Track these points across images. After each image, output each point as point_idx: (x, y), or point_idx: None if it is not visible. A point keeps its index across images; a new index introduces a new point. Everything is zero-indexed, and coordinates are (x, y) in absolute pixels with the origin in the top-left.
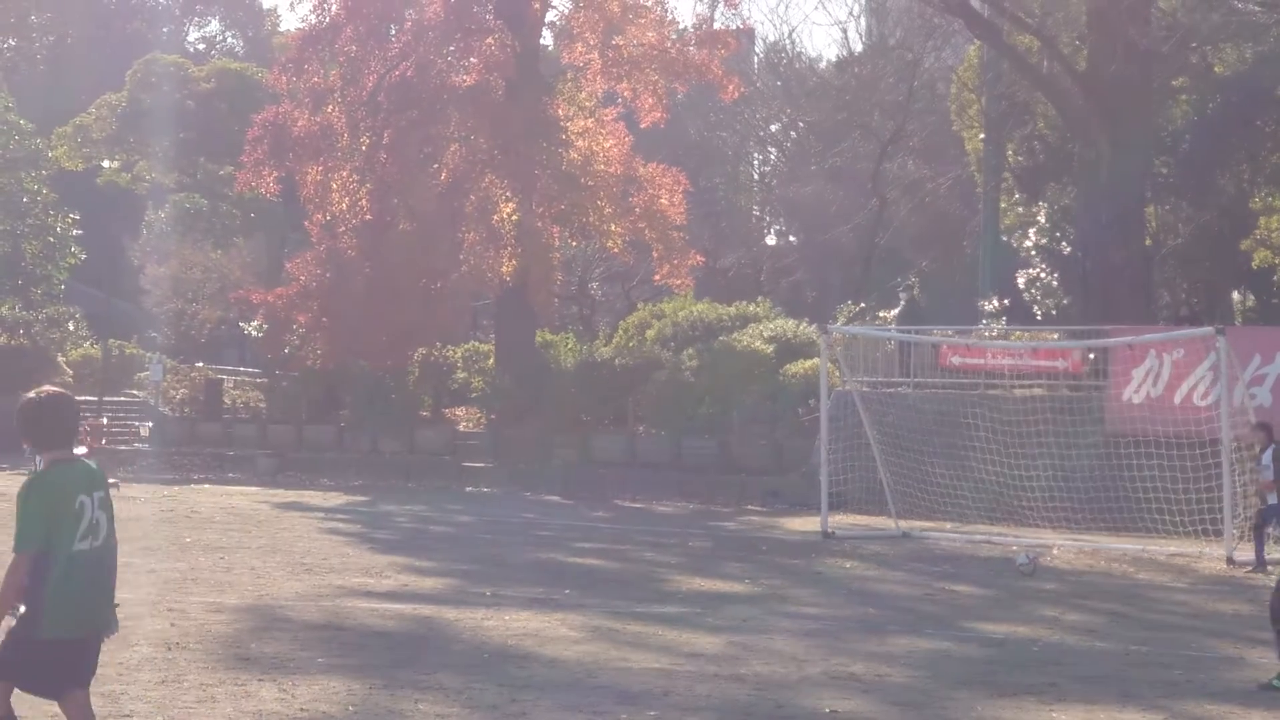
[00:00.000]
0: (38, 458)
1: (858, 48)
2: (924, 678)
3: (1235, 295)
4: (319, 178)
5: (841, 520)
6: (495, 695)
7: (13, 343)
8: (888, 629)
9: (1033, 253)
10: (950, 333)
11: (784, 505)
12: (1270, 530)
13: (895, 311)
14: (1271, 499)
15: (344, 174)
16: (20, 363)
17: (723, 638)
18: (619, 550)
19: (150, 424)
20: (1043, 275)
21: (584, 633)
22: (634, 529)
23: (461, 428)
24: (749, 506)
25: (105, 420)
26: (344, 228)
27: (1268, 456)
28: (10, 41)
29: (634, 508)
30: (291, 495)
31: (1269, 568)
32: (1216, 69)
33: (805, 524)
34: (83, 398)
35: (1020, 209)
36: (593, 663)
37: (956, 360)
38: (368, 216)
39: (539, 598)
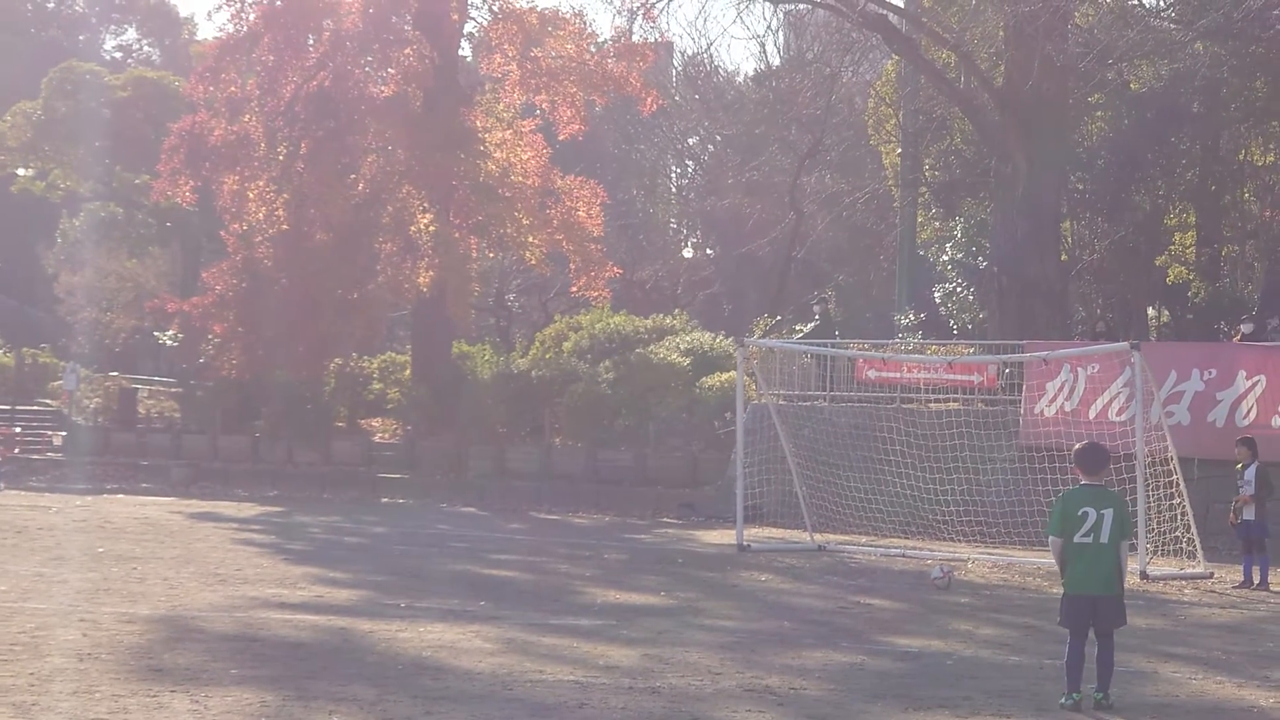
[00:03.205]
0: None
1: (775, 62)
2: (839, 691)
3: (1150, 311)
4: (235, 187)
5: (757, 533)
6: (409, 707)
7: None
8: (803, 642)
9: (949, 267)
10: (866, 346)
11: (700, 518)
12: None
13: (809, 326)
14: (1248, 514)
15: (261, 184)
16: None
17: (638, 650)
18: (534, 562)
19: (64, 433)
20: (959, 290)
21: (499, 645)
22: (550, 541)
23: (377, 439)
24: (665, 519)
25: (18, 429)
26: (260, 238)
27: (1250, 473)
28: None
29: (550, 519)
30: (206, 506)
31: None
32: (1133, 85)
33: (721, 537)
34: None
35: (937, 223)
36: (508, 675)
37: (873, 374)
38: (284, 226)
39: (454, 610)
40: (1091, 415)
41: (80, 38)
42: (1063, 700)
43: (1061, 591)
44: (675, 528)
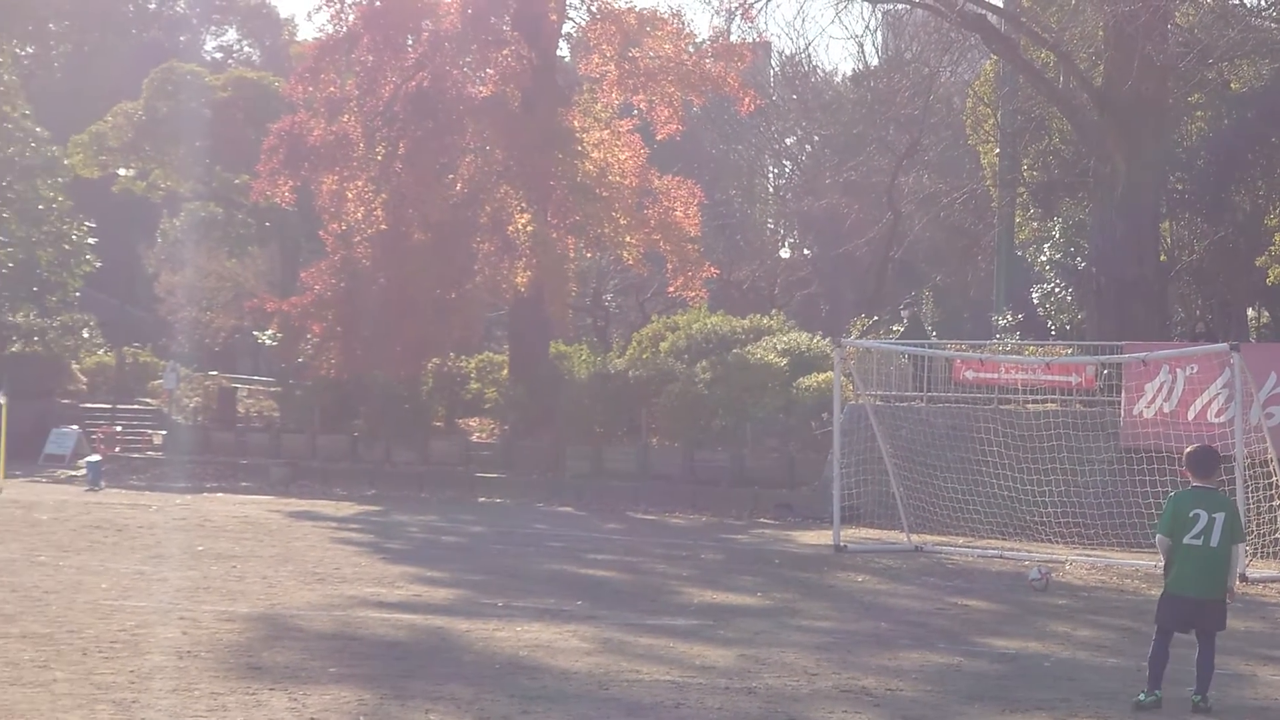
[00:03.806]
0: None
1: (874, 62)
2: (935, 692)
3: (1250, 312)
4: (334, 187)
5: (854, 534)
6: (506, 706)
7: (27, 350)
8: (899, 643)
9: (1047, 268)
10: (964, 347)
11: (796, 518)
12: None
13: (900, 328)
14: None
15: (359, 184)
16: (35, 370)
17: (734, 651)
18: (631, 562)
19: (164, 432)
20: (1057, 290)
21: (595, 645)
22: (646, 541)
23: (475, 438)
24: (761, 519)
25: (119, 428)
26: (359, 237)
27: None
28: (28, 49)
29: (646, 519)
30: (304, 504)
31: None
32: (1233, 85)
33: (818, 537)
34: (96, 405)
35: (1035, 224)
36: (604, 675)
37: (970, 375)
38: (383, 226)
39: (551, 609)
40: (1190, 416)
41: (181, 38)
42: (1140, 697)
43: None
44: (772, 528)
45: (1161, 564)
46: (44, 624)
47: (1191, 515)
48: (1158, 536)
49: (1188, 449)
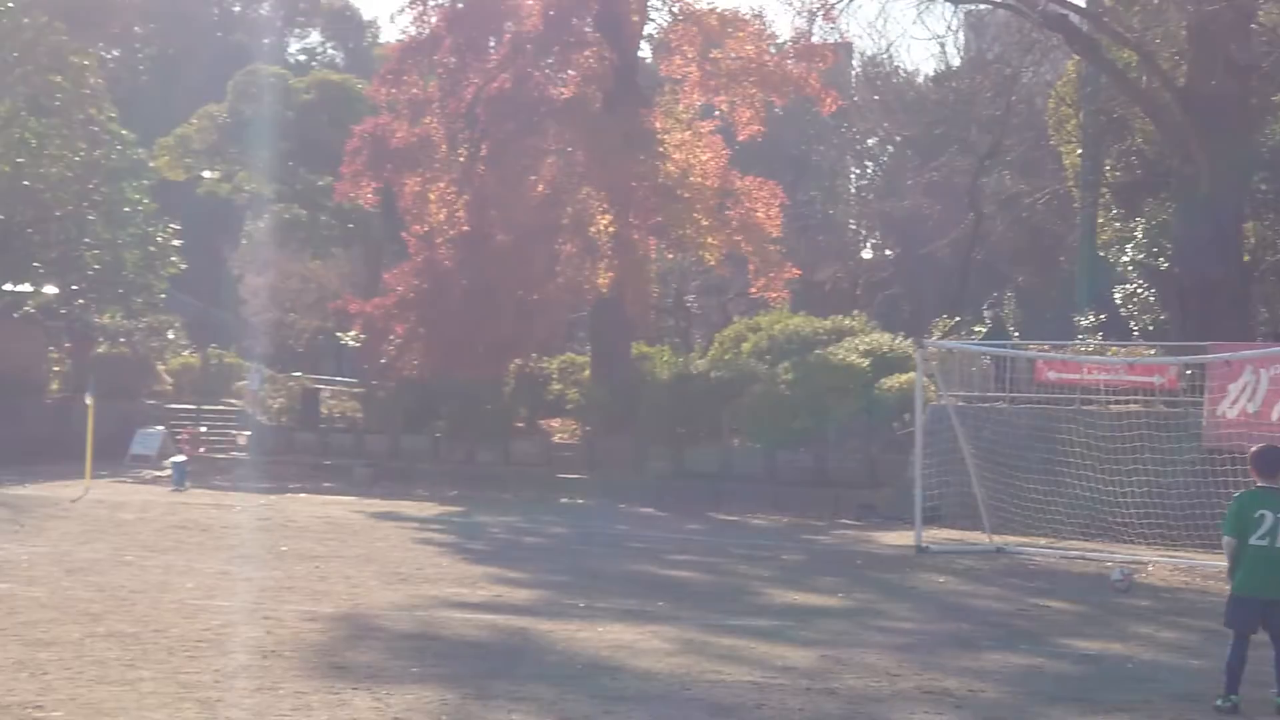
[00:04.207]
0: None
1: (956, 62)
2: (1017, 693)
3: None
4: (417, 189)
5: (936, 535)
6: (588, 706)
7: (114, 351)
8: (981, 644)
9: (1130, 268)
10: (1046, 348)
11: (878, 519)
12: None
13: (982, 329)
14: None
15: (442, 185)
16: (121, 371)
17: (815, 651)
18: (713, 563)
19: (248, 433)
20: (1140, 291)
21: (677, 645)
22: (728, 542)
23: (556, 439)
24: (843, 520)
25: (203, 429)
26: (441, 239)
27: None
28: (114, 52)
29: (728, 520)
30: (387, 505)
31: None
32: None
33: (899, 538)
34: (181, 406)
35: (1117, 224)
36: (685, 675)
37: (1052, 375)
38: (465, 228)
39: (632, 610)
40: (1274, 417)
41: (265, 41)
42: (1218, 702)
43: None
44: (854, 529)
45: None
46: (130, 623)
47: (1257, 516)
48: (1224, 538)
49: (1253, 449)
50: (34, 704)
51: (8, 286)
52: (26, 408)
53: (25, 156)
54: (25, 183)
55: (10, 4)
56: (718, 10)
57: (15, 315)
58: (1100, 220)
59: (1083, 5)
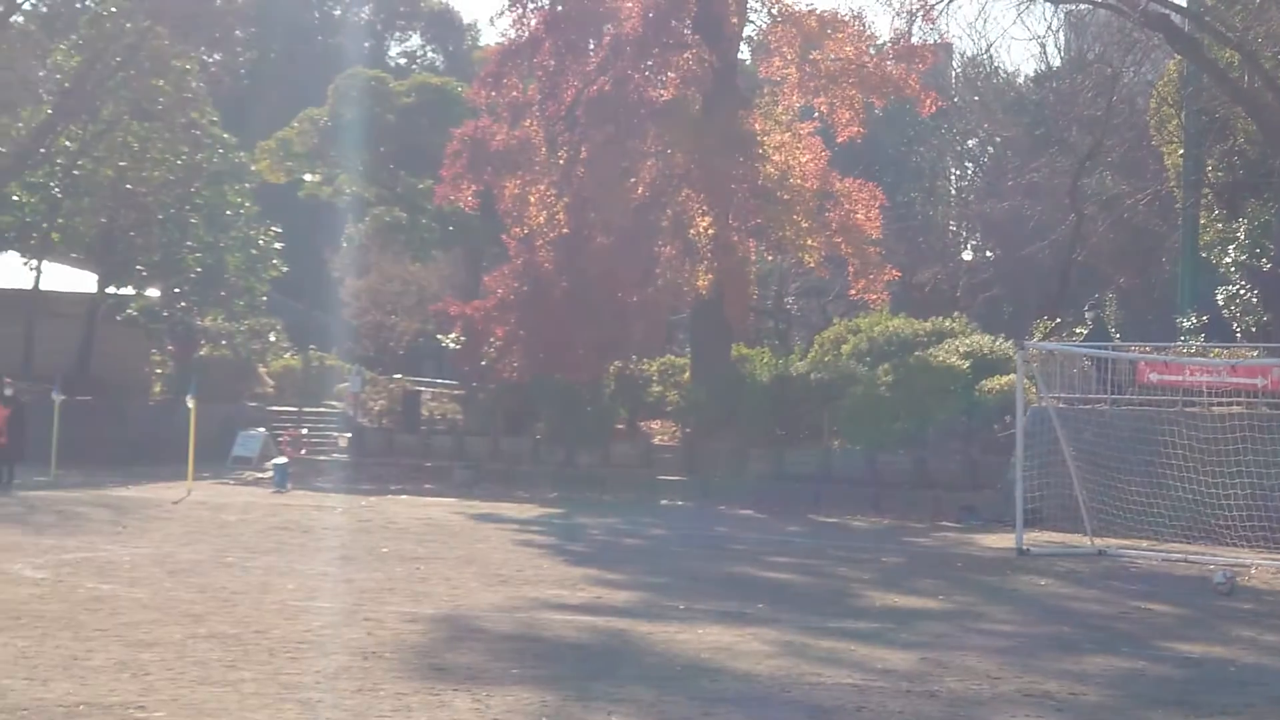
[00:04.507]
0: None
1: (1056, 62)
2: (1118, 696)
3: None
4: (517, 191)
5: (1036, 537)
6: (687, 708)
7: (216, 353)
8: (1082, 647)
9: (1232, 269)
10: (1148, 349)
11: (979, 521)
12: None
13: (1083, 330)
14: None
15: (541, 188)
16: (223, 373)
17: (916, 654)
18: (812, 565)
19: (349, 435)
20: (1242, 292)
21: (776, 647)
22: (827, 544)
23: (656, 441)
24: (943, 522)
25: (305, 430)
26: (541, 241)
27: None
28: (215, 56)
29: (828, 522)
30: (487, 507)
31: None
32: None
33: (1000, 540)
34: (283, 408)
35: (1219, 225)
36: (785, 678)
37: (1154, 377)
38: (565, 230)
39: (732, 612)
40: None
41: (365, 44)
42: None
43: None
44: (954, 531)
45: None
46: (232, 624)
47: None
48: None
49: None
50: (136, 704)
51: (111, 289)
52: (130, 410)
53: (128, 160)
54: (128, 186)
55: (113, 9)
56: (817, 12)
57: (119, 318)
58: (1202, 221)
59: (1184, 5)
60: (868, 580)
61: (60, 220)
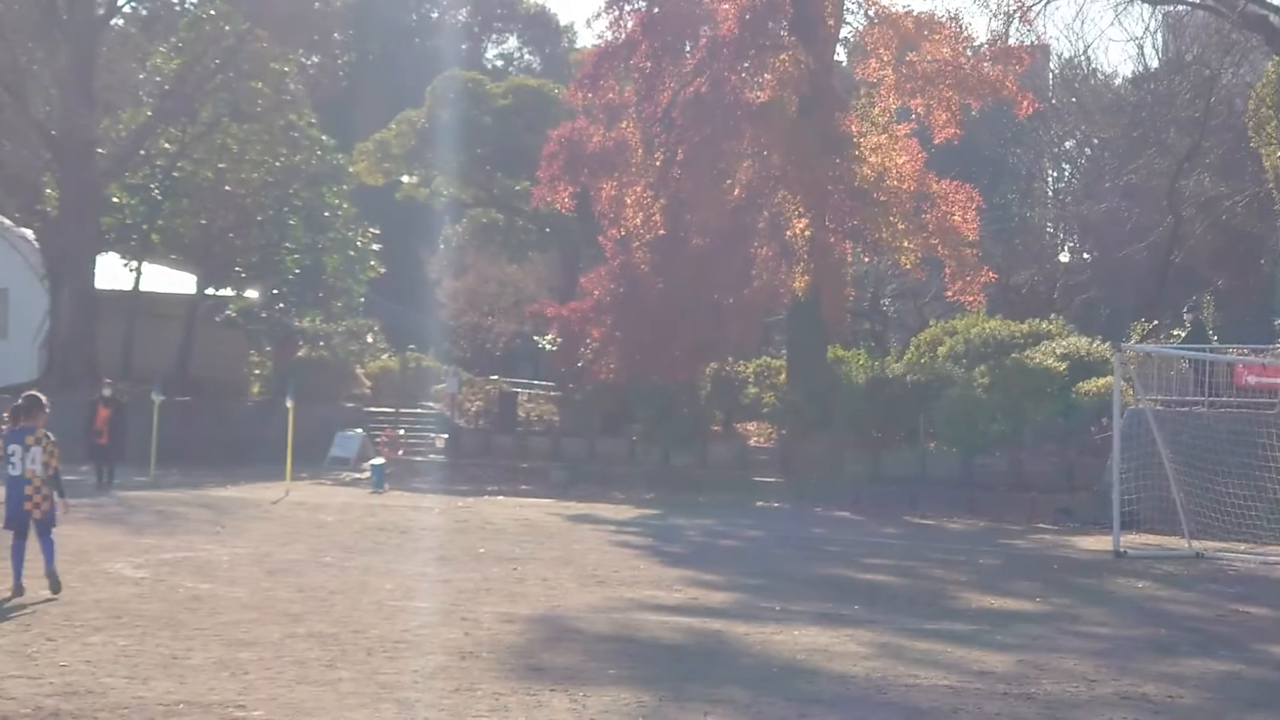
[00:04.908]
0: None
1: (1154, 64)
2: (1216, 699)
3: None
4: (613, 193)
5: (1133, 539)
6: (784, 710)
7: (314, 355)
8: (1179, 650)
9: None
10: (1246, 351)
11: (1075, 524)
12: None
13: (1183, 333)
14: None
15: (638, 189)
16: (321, 374)
17: (1012, 656)
18: (908, 566)
19: (445, 436)
20: None
21: (873, 649)
22: (923, 545)
23: (752, 442)
24: (1040, 524)
25: (402, 431)
26: (637, 243)
27: None
28: (314, 59)
29: (924, 524)
30: (583, 507)
31: None
32: None
33: (1097, 543)
34: (380, 409)
35: None
36: (881, 679)
37: (1252, 380)
38: (661, 232)
39: (828, 613)
40: None
41: (463, 46)
42: None
43: None
44: (1050, 533)
45: None
46: (330, 624)
47: None
48: None
49: None
50: (235, 703)
51: (210, 291)
52: (228, 410)
53: (227, 162)
54: (227, 188)
55: (212, 12)
56: (914, 13)
57: (218, 319)
58: None
59: None
60: (964, 582)
61: (160, 222)
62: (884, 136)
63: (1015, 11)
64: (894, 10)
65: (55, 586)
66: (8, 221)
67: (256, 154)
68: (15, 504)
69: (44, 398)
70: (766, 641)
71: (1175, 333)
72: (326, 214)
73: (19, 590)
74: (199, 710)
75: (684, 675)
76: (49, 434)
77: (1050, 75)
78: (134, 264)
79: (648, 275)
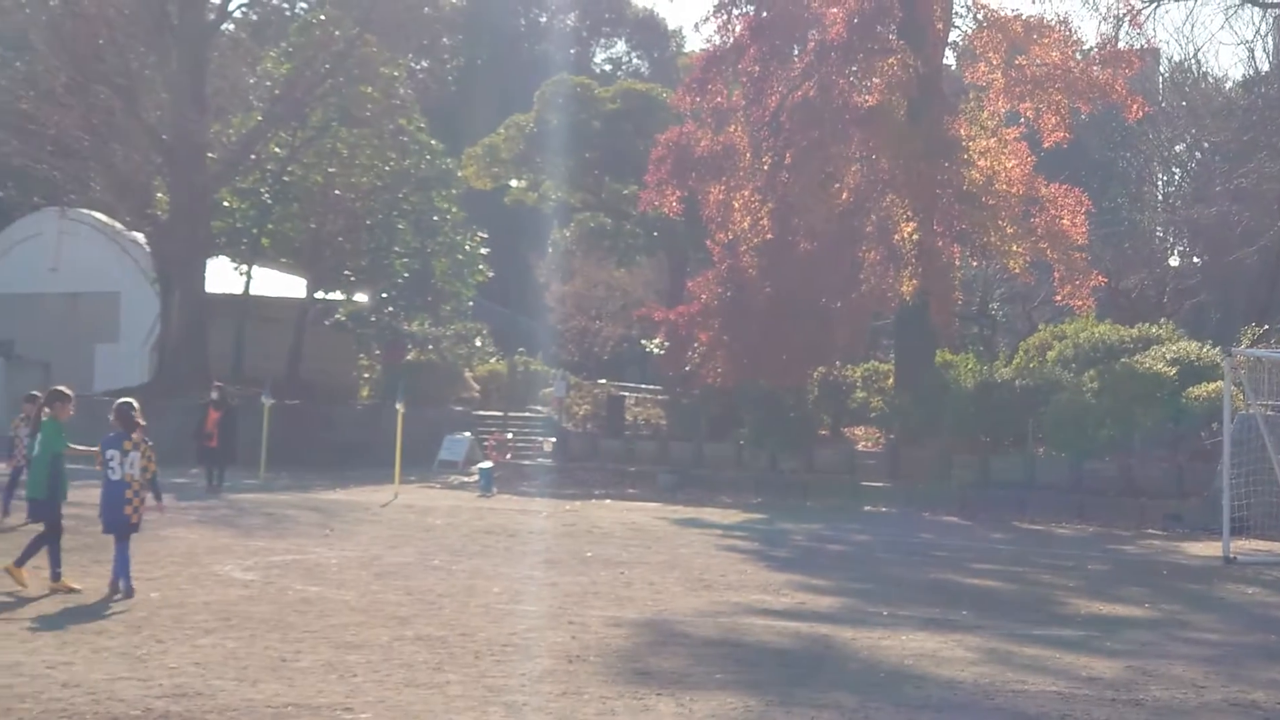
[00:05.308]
0: None
1: (1264, 67)
2: None
3: None
4: (721, 197)
5: (1244, 545)
6: (891, 715)
7: (422, 358)
8: None
9: None
10: None
11: (1185, 530)
12: None
13: None
14: None
15: (745, 193)
16: (430, 378)
17: (1120, 662)
18: (1016, 572)
19: (553, 439)
20: None
21: (980, 654)
22: (1031, 551)
23: (860, 447)
24: (1149, 530)
25: (510, 435)
26: (745, 247)
27: None
28: (422, 63)
29: (1032, 529)
30: (690, 512)
31: None
32: None
33: (1206, 549)
34: (488, 413)
35: None
36: (989, 685)
37: None
38: (769, 236)
39: (935, 618)
40: None
41: (571, 51)
42: None
43: None
44: (1160, 539)
45: None
46: (438, 627)
47: None
48: None
49: None
50: (343, 705)
51: (320, 294)
52: (337, 414)
53: (337, 166)
54: (337, 192)
55: (322, 17)
56: (1023, 17)
57: (327, 323)
58: None
59: None
60: (1072, 588)
61: (270, 226)
62: (993, 140)
63: (1125, 15)
64: (1003, 14)
65: (126, 592)
66: (119, 226)
67: (366, 158)
68: (115, 509)
69: (136, 405)
70: (874, 646)
71: None
72: (435, 218)
73: (129, 592)
74: (307, 713)
75: (791, 680)
76: (146, 439)
77: (1160, 79)
78: (244, 268)
79: (755, 279)
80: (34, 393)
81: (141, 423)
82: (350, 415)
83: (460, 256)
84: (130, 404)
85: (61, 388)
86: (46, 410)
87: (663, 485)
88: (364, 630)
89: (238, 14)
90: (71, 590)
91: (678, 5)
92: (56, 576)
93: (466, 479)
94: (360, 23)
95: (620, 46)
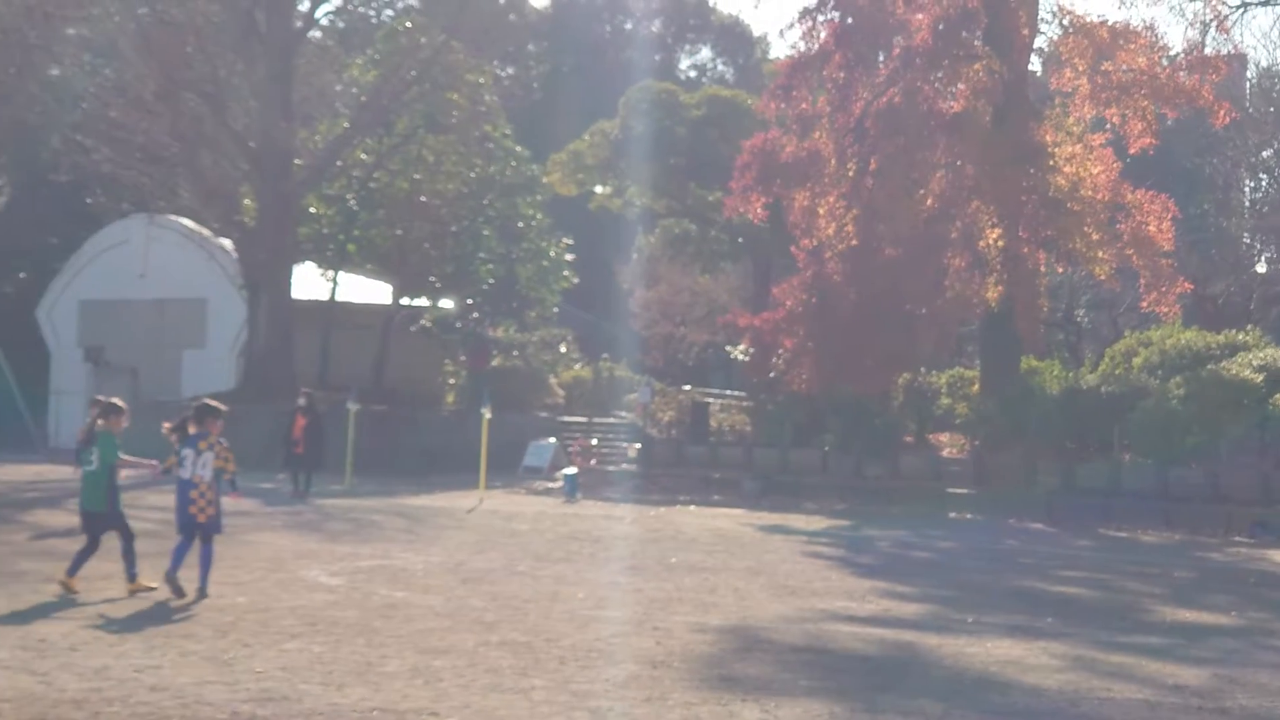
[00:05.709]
0: None
1: None
2: None
3: None
4: (805, 203)
5: None
6: None
7: (508, 364)
8: None
9: None
10: None
11: (1272, 537)
12: None
13: None
14: None
15: (830, 200)
16: (515, 383)
17: (1207, 670)
18: (1101, 579)
19: (638, 445)
20: None
21: (1066, 661)
22: (1117, 558)
23: (945, 453)
24: (1235, 538)
25: (595, 441)
26: (830, 253)
27: None
28: (508, 70)
29: (1118, 537)
30: (775, 518)
31: None
32: None
33: None
34: (573, 419)
35: None
36: (1074, 692)
37: None
38: (854, 242)
39: (1020, 625)
40: None
41: (656, 57)
42: None
43: None
44: (1246, 547)
45: None
46: (523, 632)
47: None
48: None
49: None
50: (429, 710)
51: (405, 300)
52: (423, 420)
53: (422, 173)
54: (422, 199)
55: (409, 24)
56: (1109, 23)
57: (413, 329)
58: None
59: None
60: (1158, 595)
61: (356, 232)
62: (1078, 146)
63: (1211, 21)
64: (1089, 20)
65: (197, 593)
66: (206, 232)
67: (452, 165)
68: (182, 508)
69: (219, 406)
70: (959, 654)
71: None
72: (520, 224)
73: (179, 591)
74: (393, 717)
75: (876, 687)
76: (222, 440)
77: (1247, 84)
78: (330, 274)
79: (840, 285)
80: (98, 397)
81: (217, 422)
82: (436, 421)
83: (545, 262)
84: (211, 405)
85: (115, 400)
86: (101, 422)
87: (747, 491)
88: (449, 635)
89: (324, 21)
90: (149, 589)
91: (763, 11)
92: (132, 577)
93: (551, 485)
94: (446, 30)
95: (705, 53)
